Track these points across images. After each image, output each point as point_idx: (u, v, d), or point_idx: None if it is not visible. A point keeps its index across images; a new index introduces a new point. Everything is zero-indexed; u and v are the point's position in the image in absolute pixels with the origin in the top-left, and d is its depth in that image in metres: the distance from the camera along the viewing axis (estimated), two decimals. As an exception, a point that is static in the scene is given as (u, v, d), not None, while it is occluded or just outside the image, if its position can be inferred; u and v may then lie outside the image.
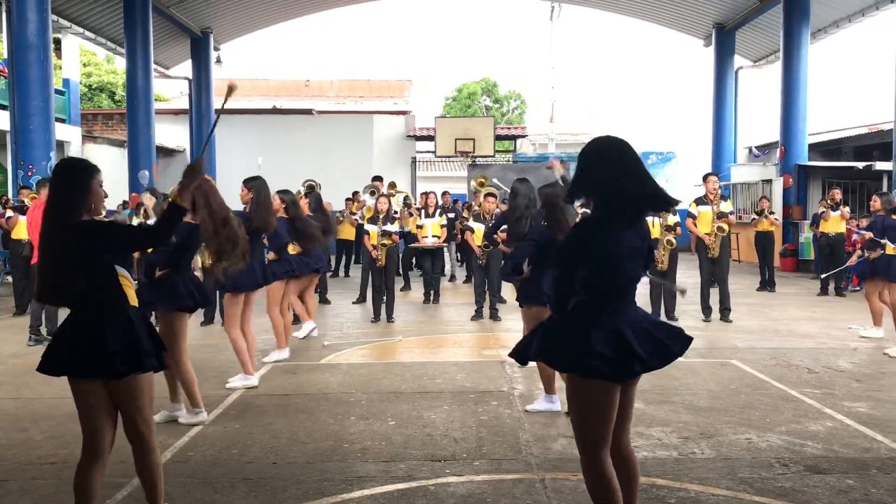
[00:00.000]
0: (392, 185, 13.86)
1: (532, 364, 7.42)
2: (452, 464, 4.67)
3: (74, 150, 19.33)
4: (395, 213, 11.52)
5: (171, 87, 30.61)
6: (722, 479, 4.39)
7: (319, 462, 4.74)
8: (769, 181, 19.69)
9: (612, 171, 3.14)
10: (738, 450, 4.94)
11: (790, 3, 17.87)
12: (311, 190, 10.48)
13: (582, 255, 3.09)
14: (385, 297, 10.46)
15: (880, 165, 15.74)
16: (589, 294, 3.12)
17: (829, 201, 13.73)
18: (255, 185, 6.72)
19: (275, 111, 27.00)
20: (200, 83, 22.76)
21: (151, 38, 17.83)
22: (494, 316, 10.56)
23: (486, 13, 77.29)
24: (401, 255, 13.61)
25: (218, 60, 23.98)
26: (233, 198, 7.09)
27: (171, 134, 24.16)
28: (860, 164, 16.97)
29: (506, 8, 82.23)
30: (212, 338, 9.01)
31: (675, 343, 3.21)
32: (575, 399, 3.18)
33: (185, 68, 23.92)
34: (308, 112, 26.97)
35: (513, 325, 9.80)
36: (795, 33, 17.84)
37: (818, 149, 20.26)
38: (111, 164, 19.54)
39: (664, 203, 3.20)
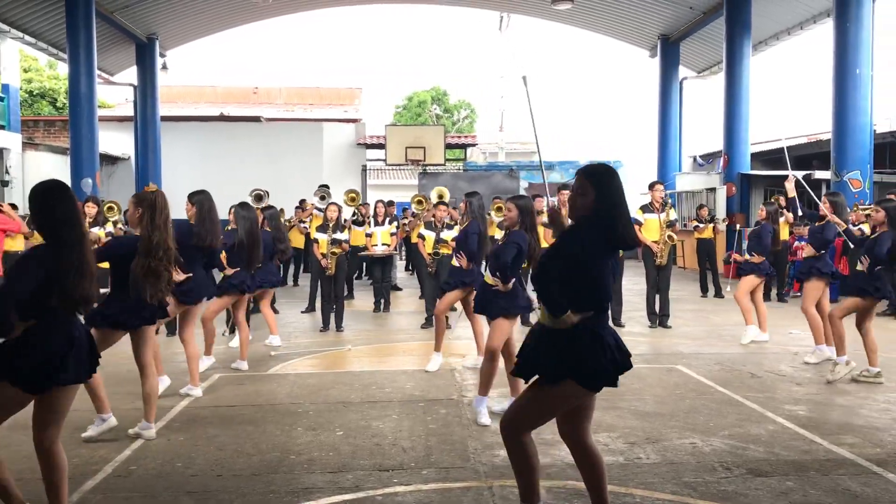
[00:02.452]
0: (353, 193, 13.80)
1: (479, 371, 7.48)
2: (400, 473, 4.66)
3: (14, 157, 18.80)
4: (345, 220, 11.46)
5: (115, 93, 30.00)
6: (667, 484, 4.45)
7: (265, 474, 4.67)
8: (713, 189, 20.08)
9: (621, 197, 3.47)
10: (683, 454, 5.02)
11: (732, 15, 18.28)
12: (259, 199, 10.38)
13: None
14: (334, 306, 10.39)
15: (819, 174, 16.17)
16: (590, 308, 3.38)
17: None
18: (198, 199, 6.64)
19: (222, 118, 26.66)
20: (146, 90, 22.35)
21: (95, 44, 17.45)
22: (445, 324, 10.54)
23: (436, 22, 77.58)
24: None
25: (164, 67, 23.57)
26: (177, 206, 7.00)
27: (116, 141, 23.69)
28: (800, 173, 17.40)
29: (455, 17, 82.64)
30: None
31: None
32: (550, 395, 3.42)
33: (131, 74, 23.48)
34: (256, 119, 26.71)
35: (463, 332, 9.81)
36: (737, 45, 18.25)
37: (760, 158, 20.74)
38: (53, 172, 19.05)
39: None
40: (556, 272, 3.36)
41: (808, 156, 19.94)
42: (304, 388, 7.05)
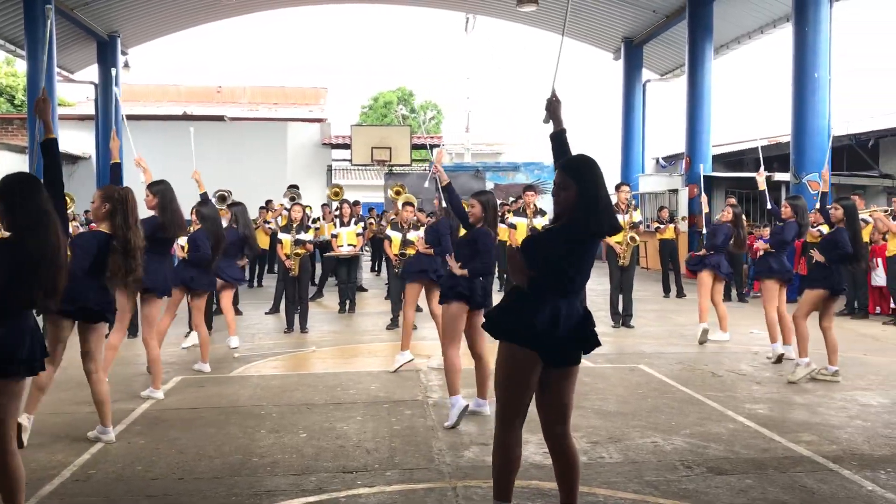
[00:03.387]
0: (337, 188, 13.74)
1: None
2: (364, 475, 4.64)
3: (-30, 155, 18.44)
4: (313, 221, 11.41)
5: (76, 91, 29.54)
6: (629, 483, 4.49)
7: (227, 477, 4.63)
8: (675, 191, 20.34)
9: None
10: (645, 453, 5.07)
11: (694, 19, 18.52)
12: (223, 200, 10.29)
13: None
14: (299, 307, 10.33)
15: (779, 176, 16.46)
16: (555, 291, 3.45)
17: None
18: (159, 189, 6.55)
19: (185, 117, 26.33)
20: (107, 88, 22.02)
21: (55, 41, 17.16)
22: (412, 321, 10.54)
23: (403, 22, 77.46)
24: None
25: (126, 65, 23.25)
26: (140, 206, 6.91)
27: (76, 140, 23.31)
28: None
29: (421, 18, 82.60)
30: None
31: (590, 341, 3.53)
32: (502, 356, 3.49)
33: (92, 72, 23.12)
34: (220, 119, 26.44)
35: (428, 333, 9.81)
36: (699, 48, 18.50)
37: (721, 160, 21.05)
38: (10, 171, 18.69)
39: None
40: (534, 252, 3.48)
41: (769, 158, 20.25)
42: (267, 389, 7.00)
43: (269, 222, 14.89)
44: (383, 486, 4.45)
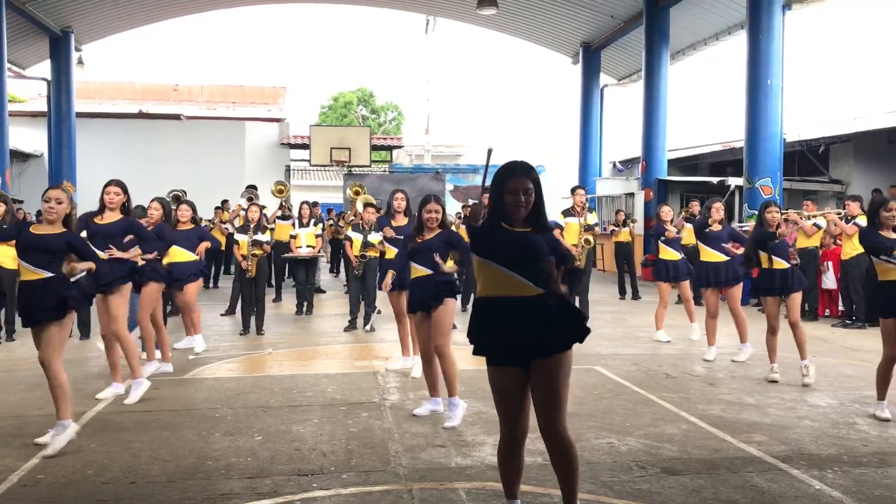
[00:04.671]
0: (282, 185, 13.61)
1: (406, 374, 7.48)
2: (320, 477, 4.62)
3: (-85, 152, 17.91)
4: (267, 220, 11.32)
5: (27, 87, 28.89)
6: (584, 483, 4.52)
7: (181, 480, 4.57)
8: (631, 194, 20.59)
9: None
10: (600, 454, 5.12)
11: (651, 25, 18.77)
12: (178, 200, 10.14)
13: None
14: (255, 309, 10.24)
15: (732, 181, 16.75)
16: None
17: (686, 213, 14.46)
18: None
19: (141, 115, 25.98)
20: (60, 85, 21.55)
21: (5, 36, 16.76)
22: (368, 326, 10.53)
23: (363, 22, 77.29)
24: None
25: (80, 61, 22.81)
26: (93, 205, 6.85)
27: (27, 137, 22.85)
28: (714, 179, 18.00)
29: (382, 18, 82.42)
30: (68, 351, 8.54)
31: (567, 332, 3.59)
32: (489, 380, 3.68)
33: (44, 68, 22.65)
34: (176, 117, 26.11)
35: (387, 335, 9.80)
36: (656, 54, 18.75)
37: (677, 164, 21.36)
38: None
39: None
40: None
41: (723, 163, 20.61)
42: (222, 392, 6.93)
43: (225, 223, 14.72)
44: (339, 489, 4.43)
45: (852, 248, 10.65)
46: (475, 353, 3.66)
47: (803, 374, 7.29)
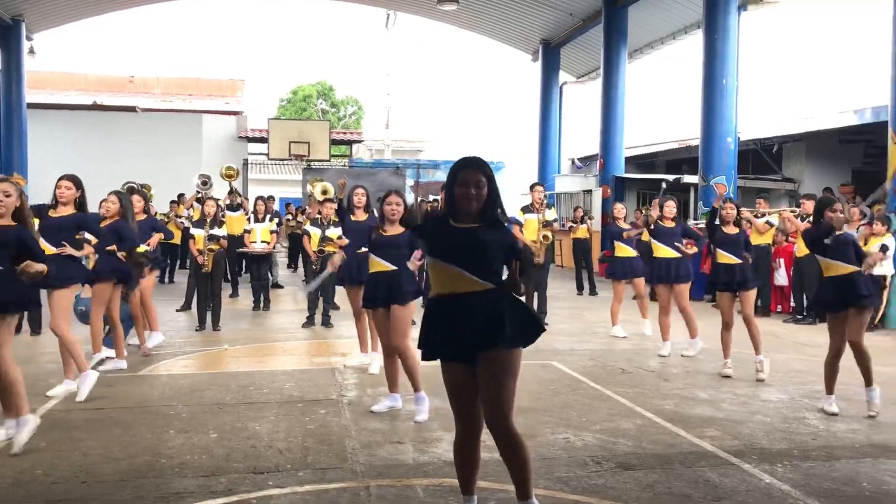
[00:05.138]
0: (232, 169, 13.43)
1: (364, 370, 7.46)
2: (276, 475, 4.58)
3: None
4: (222, 215, 11.17)
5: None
6: (540, 479, 4.55)
7: (133, 479, 4.50)
8: (589, 191, 20.77)
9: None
10: (556, 449, 5.16)
11: (610, 24, 18.93)
12: (132, 193, 9.97)
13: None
14: (211, 305, 10.12)
15: (688, 178, 16.98)
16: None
17: (645, 210, 14.64)
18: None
19: (95, 107, 25.48)
20: (11, 74, 21.02)
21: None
22: (326, 323, 10.48)
23: (323, 16, 76.59)
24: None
25: (31, 51, 22.28)
26: (46, 198, 6.72)
27: (-25, 128, 22.20)
28: (670, 177, 18.21)
29: (342, 12, 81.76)
30: (15, 348, 8.35)
31: (516, 330, 3.58)
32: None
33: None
34: (132, 109, 25.67)
35: (345, 331, 9.76)
36: (614, 52, 18.92)
37: (634, 161, 21.57)
38: None
39: None
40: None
41: (679, 160, 20.87)
42: (177, 389, 6.83)
43: (181, 217, 14.51)
44: (295, 487, 4.40)
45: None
46: (423, 358, 3.72)
47: (758, 369, 7.43)
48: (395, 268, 5.96)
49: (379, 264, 6.04)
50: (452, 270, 3.55)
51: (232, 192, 13.80)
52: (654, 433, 5.58)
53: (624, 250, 9.92)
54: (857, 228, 11.14)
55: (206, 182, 12.17)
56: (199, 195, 12.91)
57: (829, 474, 4.73)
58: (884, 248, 10.17)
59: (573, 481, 4.55)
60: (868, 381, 6.14)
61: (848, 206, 12.53)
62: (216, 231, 10.04)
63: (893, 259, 10.61)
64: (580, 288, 15.10)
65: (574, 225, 15.49)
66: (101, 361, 7.41)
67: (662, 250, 8.68)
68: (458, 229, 3.61)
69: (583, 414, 6.07)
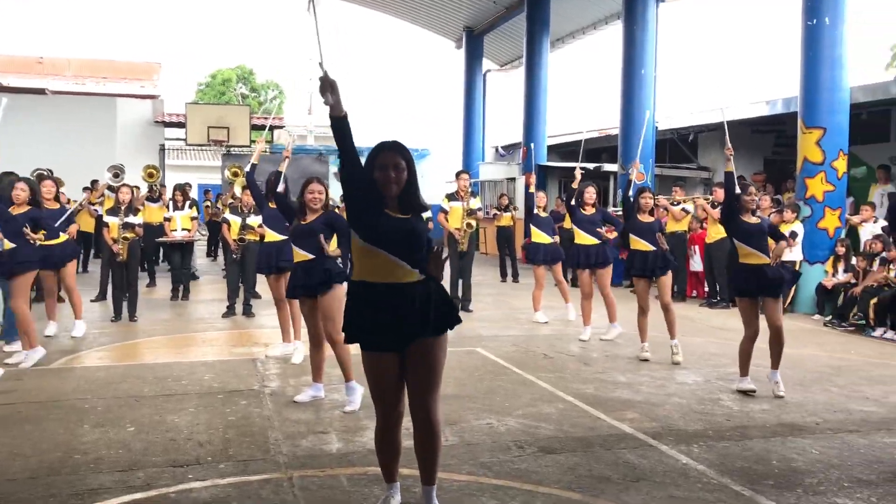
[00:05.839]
0: (152, 168, 13.03)
1: (287, 360, 7.37)
2: (196, 468, 4.48)
3: None
4: (140, 204, 10.86)
5: None
6: (464, 465, 4.59)
7: (45, 476, 4.34)
8: (513, 179, 20.95)
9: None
10: (480, 435, 5.20)
11: (532, 12, 19.09)
12: (42, 179, 9.59)
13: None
14: (127, 295, 9.83)
15: (608, 167, 17.31)
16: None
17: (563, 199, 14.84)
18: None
19: (0, 89, 24.33)
20: None
21: None
22: (248, 312, 10.30)
23: (242, -1, 74.84)
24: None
25: (-71, 28, 21.17)
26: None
27: None
28: (591, 165, 18.52)
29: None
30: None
31: (443, 316, 3.62)
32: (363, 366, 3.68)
33: None
34: (41, 91, 24.60)
35: (267, 321, 9.62)
36: (537, 41, 19.09)
37: (556, 150, 21.84)
38: None
39: None
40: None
41: (599, 149, 21.23)
42: (92, 382, 6.62)
43: (94, 204, 14.01)
44: (216, 480, 4.31)
45: (717, 231, 11.25)
46: (348, 341, 3.67)
47: (673, 352, 7.65)
48: (313, 256, 5.88)
49: (300, 255, 5.94)
50: (390, 259, 3.52)
51: (151, 188, 13.43)
52: (575, 417, 5.68)
53: (540, 236, 10.13)
54: (769, 216, 11.60)
55: (117, 174, 11.78)
56: (110, 186, 12.50)
57: (741, 453, 4.90)
58: (793, 235, 10.60)
59: (496, 466, 4.60)
60: (776, 364, 6.39)
61: (759, 193, 13.01)
62: (132, 219, 9.74)
63: (802, 246, 11.06)
64: (504, 275, 15.24)
65: (499, 213, 15.61)
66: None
67: (583, 237, 8.84)
68: (394, 218, 3.56)
69: (506, 399, 6.13)
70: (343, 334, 3.69)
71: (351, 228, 3.59)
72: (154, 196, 13.25)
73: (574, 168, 9.77)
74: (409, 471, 4.32)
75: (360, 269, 3.60)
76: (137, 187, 10.71)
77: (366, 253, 3.55)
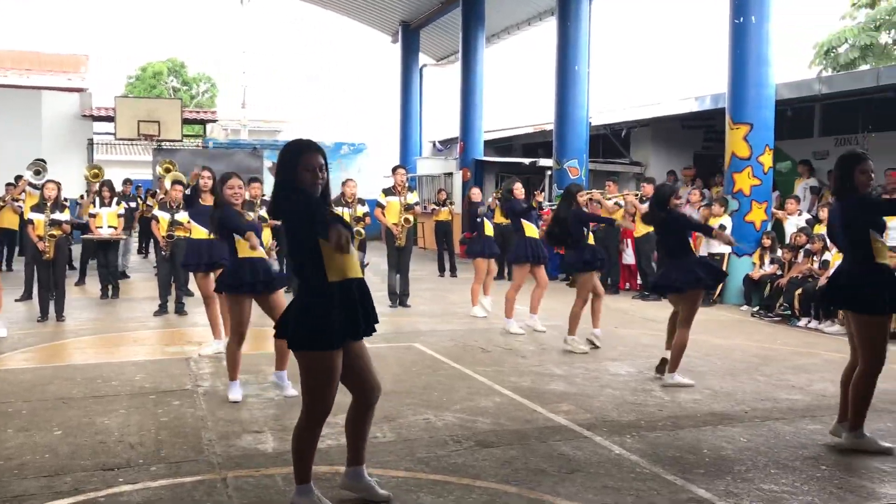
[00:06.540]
0: (96, 168, 12.59)
1: (220, 359, 7.25)
2: (127, 471, 4.38)
3: None
4: (66, 200, 10.50)
5: None
6: (401, 461, 4.59)
7: (-34, 484, 4.18)
8: (450, 174, 20.98)
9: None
10: (417, 430, 5.20)
11: (468, 7, 19.13)
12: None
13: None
14: (54, 294, 9.53)
15: (543, 162, 17.48)
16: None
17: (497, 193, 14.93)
18: None
19: (-84, 80, 23.32)
20: None
21: None
22: (180, 310, 10.10)
23: (173, -10, 73.08)
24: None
25: None
26: None
27: None
28: (527, 160, 18.69)
29: (194, -14, 78.33)
30: None
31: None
32: (313, 371, 3.66)
33: None
34: (-40, 84, 23.68)
35: (200, 318, 9.44)
36: (472, 36, 19.15)
37: (493, 145, 21.96)
38: None
39: None
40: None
41: (534, 144, 21.42)
42: (16, 384, 6.40)
43: (17, 200, 13.51)
44: (148, 482, 4.22)
45: (644, 226, 11.44)
46: (332, 347, 3.62)
47: (592, 338, 8.01)
48: (261, 254, 5.95)
49: (246, 251, 5.87)
50: (353, 256, 3.67)
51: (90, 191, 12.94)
52: (511, 410, 5.73)
53: (490, 229, 10.32)
54: (698, 209, 11.87)
55: (38, 171, 11.38)
56: (32, 184, 12.03)
57: (673, 443, 5.02)
58: (722, 228, 10.86)
59: (433, 461, 4.61)
60: (673, 367, 6.52)
61: (688, 188, 13.32)
62: (58, 215, 9.45)
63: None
64: (441, 269, 15.27)
65: (437, 207, 15.63)
66: None
67: (531, 229, 8.96)
68: (338, 216, 3.75)
69: (444, 394, 6.15)
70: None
71: (317, 236, 3.54)
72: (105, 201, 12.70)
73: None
74: (325, 468, 4.30)
75: (334, 270, 3.62)
76: (60, 183, 10.23)
77: (334, 251, 3.57)
